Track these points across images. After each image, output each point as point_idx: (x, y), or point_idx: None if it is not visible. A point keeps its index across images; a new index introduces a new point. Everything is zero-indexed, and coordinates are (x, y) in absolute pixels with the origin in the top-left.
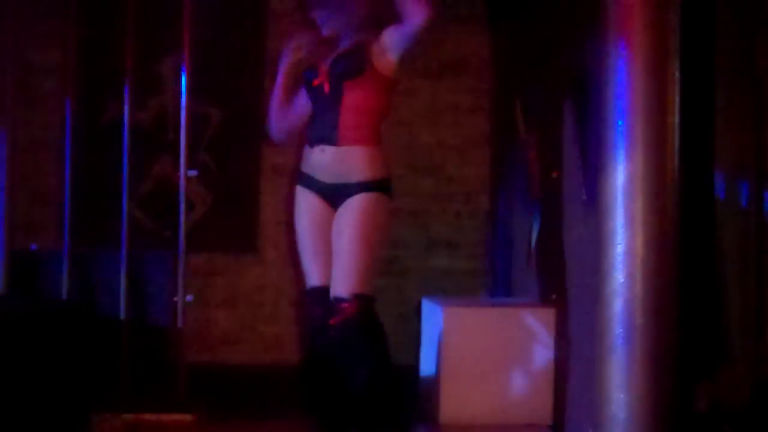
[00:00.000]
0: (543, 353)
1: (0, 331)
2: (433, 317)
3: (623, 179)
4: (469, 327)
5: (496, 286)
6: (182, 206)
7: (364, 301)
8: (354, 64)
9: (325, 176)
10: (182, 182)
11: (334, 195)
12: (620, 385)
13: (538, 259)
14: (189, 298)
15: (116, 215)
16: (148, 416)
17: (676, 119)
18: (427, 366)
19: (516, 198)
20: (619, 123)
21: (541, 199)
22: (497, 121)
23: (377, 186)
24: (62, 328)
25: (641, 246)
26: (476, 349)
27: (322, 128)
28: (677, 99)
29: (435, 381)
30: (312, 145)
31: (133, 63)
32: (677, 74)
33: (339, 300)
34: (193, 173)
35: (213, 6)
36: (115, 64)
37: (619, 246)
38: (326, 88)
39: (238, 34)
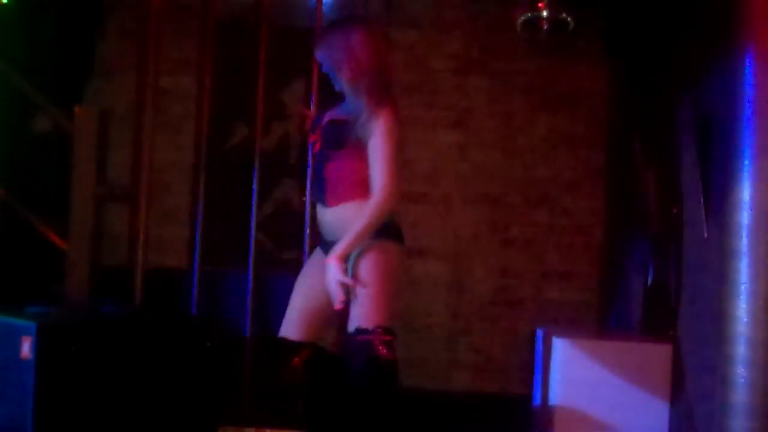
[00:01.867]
0: (658, 387)
1: (135, 343)
2: (549, 347)
3: (749, 220)
4: (584, 358)
5: (609, 319)
6: (307, 230)
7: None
8: (337, 136)
9: (326, 234)
10: (307, 206)
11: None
12: (741, 426)
13: (654, 295)
14: None
15: (240, 236)
16: (269, 431)
17: None
18: (540, 395)
19: (631, 232)
20: (746, 162)
21: (658, 235)
22: (613, 154)
23: (386, 233)
24: (193, 343)
25: (766, 288)
26: (590, 381)
27: (316, 188)
28: None
29: (549, 411)
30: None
31: (264, 89)
32: None
33: (359, 332)
34: None
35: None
36: (242, 90)
37: (743, 286)
38: (317, 147)
39: None
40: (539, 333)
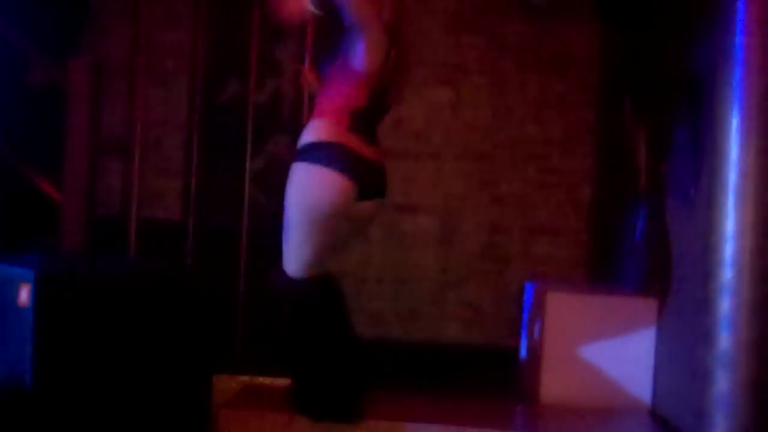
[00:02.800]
0: (643, 341)
1: (132, 294)
2: (539, 301)
3: (735, 178)
4: (572, 312)
5: (597, 275)
6: None
7: (286, 280)
8: (328, 59)
9: None
10: None
11: None
12: (723, 376)
13: (641, 250)
14: None
15: (232, 190)
16: (262, 378)
17: None
18: (528, 348)
19: (620, 190)
20: (734, 122)
21: (646, 192)
22: (603, 114)
23: (302, 153)
24: (188, 294)
25: (751, 245)
26: (578, 334)
27: None
28: None
29: (536, 362)
30: None
31: (257, 45)
32: None
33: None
34: None
35: None
36: (236, 46)
37: (728, 243)
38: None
39: None
40: (528, 287)
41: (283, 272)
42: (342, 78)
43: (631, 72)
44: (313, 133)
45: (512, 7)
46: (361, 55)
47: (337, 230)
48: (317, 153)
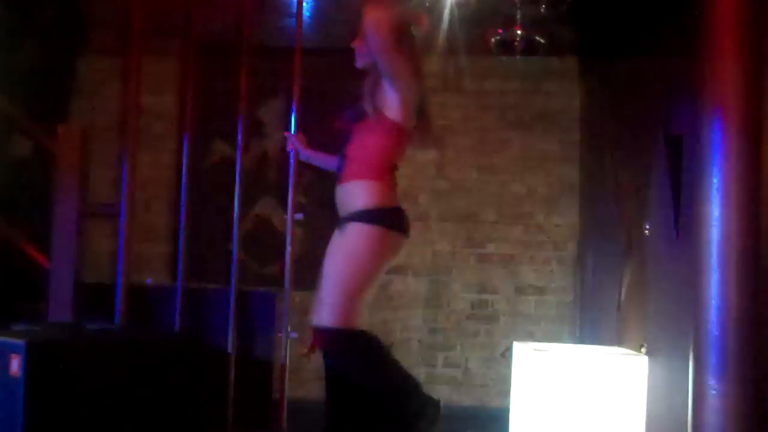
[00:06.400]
0: (634, 400)
1: (118, 359)
2: (525, 361)
3: (718, 237)
4: (561, 372)
5: (584, 332)
6: (289, 248)
7: (337, 334)
8: (357, 111)
9: (339, 210)
10: (289, 224)
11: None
12: None
13: (628, 309)
14: (293, 334)
15: (220, 253)
16: None
17: None
18: (517, 410)
19: (605, 247)
20: (715, 181)
21: (632, 250)
22: (586, 172)
23: (368, 217)
24: (175, 360)
25: (736, 302)
26: (567, 395)
27: (337, 168)
28: None
29: (526, 424)
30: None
31: (245, 108)
32: None
33: (316, 329)
34: (299, 216)
35: (316, 55)
36: (222, 108)
37: (713, 301)
38: (342, 128)
39: (338, 83)
40: (516, 347)
41: (329, 327)
42: (379, 133)
43: (613, 129)
44: (368, 198)
45: (495, 66)
46: (399, 110)
47: None
48: (378, 217)
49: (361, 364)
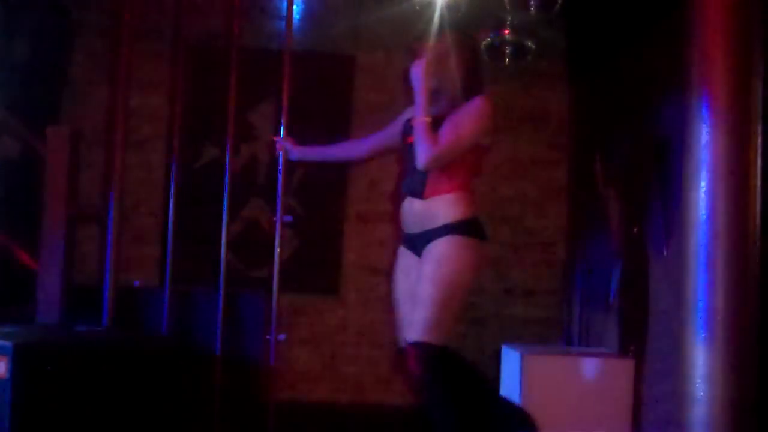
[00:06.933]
0: (621, 402)
1: (106, 361)
2: (513, 364)
3: (706, 239)
4: (549, 375)
5: (572, 335)
6: (277, 250)
7: (430, 349)
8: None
9: (413, 227)
10: (278, 227)
11: (421, 245)
12: None
13: (617, 311)
14: (281, 337)
15: (208, 256)
16: None
17: (758, 182)
18: None
19: (594, 249)
20: (702, 185)
21: (620, 252)
22: (575, 174)
23: (459, 228)
24: (163, 362)
25: (723, 304)
26: (555, 397)
27: (412, 183)
28: (759, 162)
29: None
30: (403, 196)
31: (234, 111)
32: (760, 139)
33: (411, 345)
34: (288, 219)
35: (305, 59)
36: (211, 111)
37: (700, 303)
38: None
39: (326, 86)
40: (504, 350)
41: (424, 344)
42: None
43: (602, 132)
44: (459, 209)
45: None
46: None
47: None
48: (473, 228)
49: (442, 382)
